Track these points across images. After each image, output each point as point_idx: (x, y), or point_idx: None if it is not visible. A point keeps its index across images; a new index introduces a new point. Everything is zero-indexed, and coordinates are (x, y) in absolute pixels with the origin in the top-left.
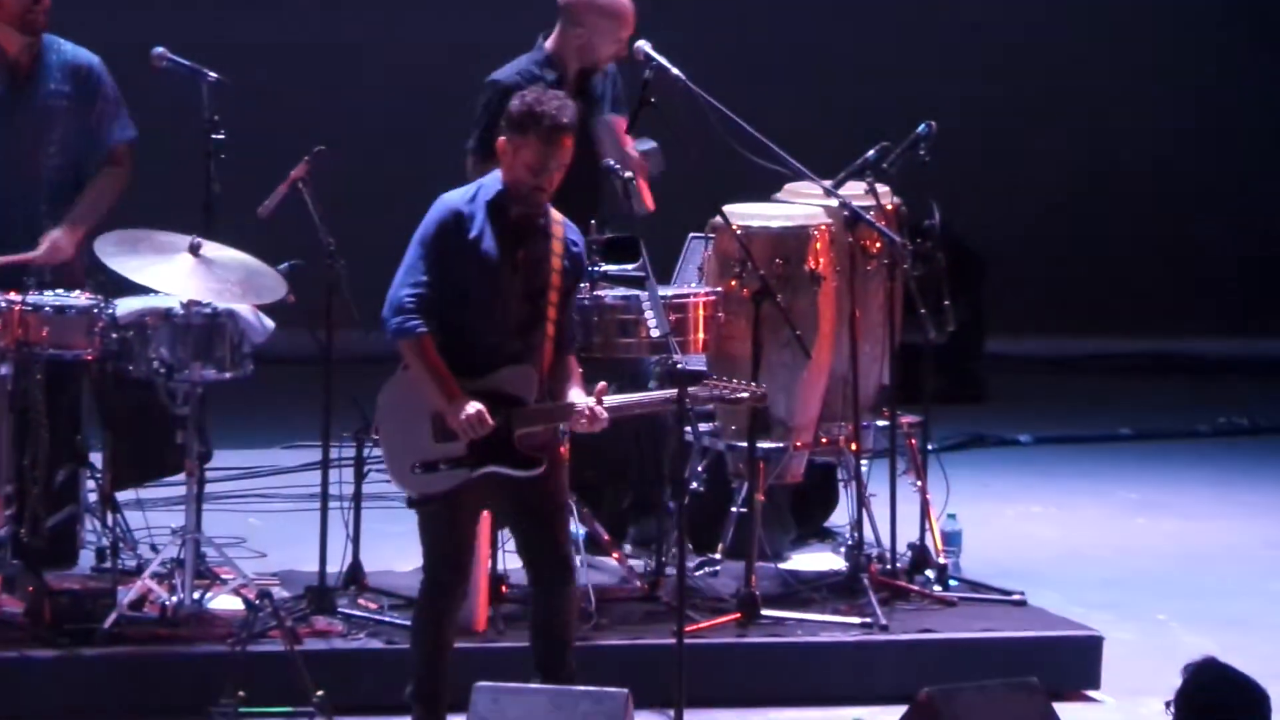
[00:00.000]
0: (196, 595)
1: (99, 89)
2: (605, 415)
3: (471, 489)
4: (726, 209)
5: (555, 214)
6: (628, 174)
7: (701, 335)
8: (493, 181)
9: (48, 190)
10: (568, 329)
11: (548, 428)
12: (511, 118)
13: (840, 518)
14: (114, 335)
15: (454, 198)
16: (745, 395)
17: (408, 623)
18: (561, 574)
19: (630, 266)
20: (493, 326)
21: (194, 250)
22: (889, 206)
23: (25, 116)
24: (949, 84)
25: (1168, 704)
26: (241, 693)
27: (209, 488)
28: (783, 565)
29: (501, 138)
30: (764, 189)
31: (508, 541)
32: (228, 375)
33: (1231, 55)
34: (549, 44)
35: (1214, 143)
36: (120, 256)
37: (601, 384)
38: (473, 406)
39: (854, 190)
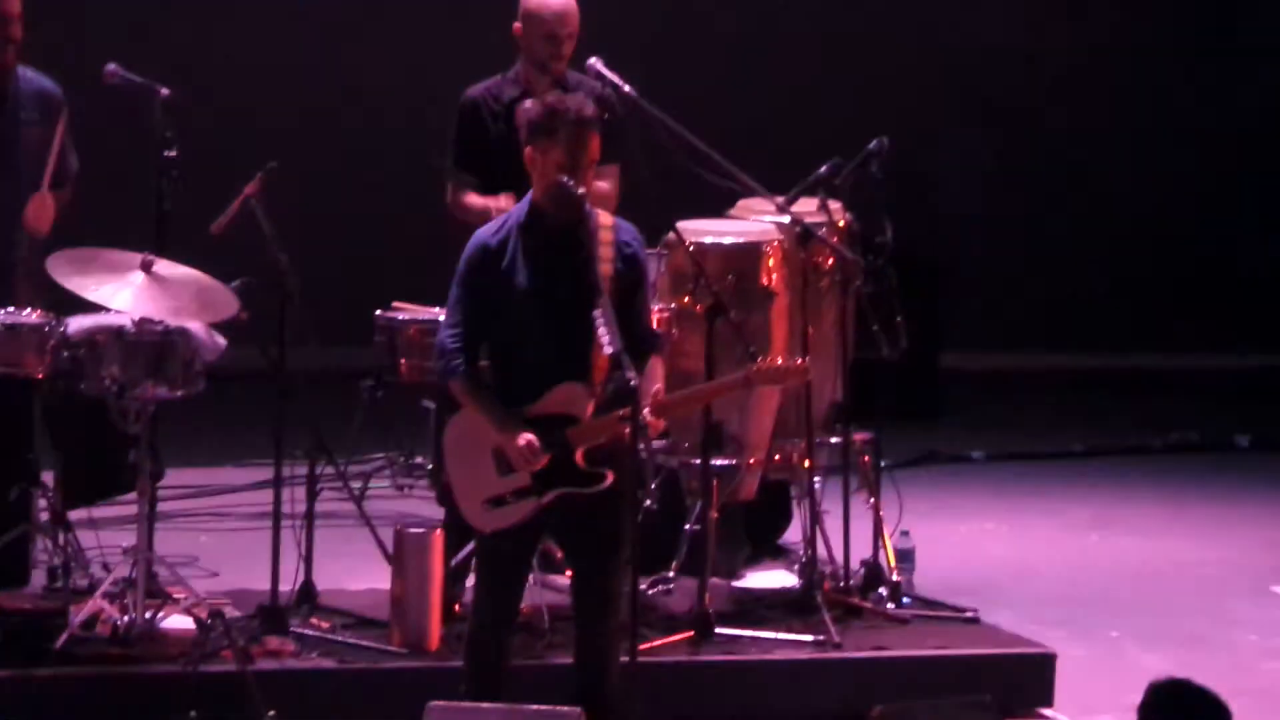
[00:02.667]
0: (148, 615)
1: (60, 119)
2: (654, 420)
3: (539, 518)
4: (679, 225)
5: (604, 217)
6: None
7: None
8: (523, 204)
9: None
10: (637, 332)
11: (609, 439)
12: (534, 123)
13: (793, 535)
14: (65, 353)
15: (484, 231)
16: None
17: (361, 642)
18: (601, 607)
19: None
20: (540, 349)
21: (146, 267)
22: (841, 223)
23: (2, 146)
24: (904, 96)
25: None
26: (194, 713)
27: (161, 506)
28: (736, 583)
29: (527, 148)
30: (717, 205)
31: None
32: (180, 393)
33: (1191, 70)
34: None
35: (1171, 162)
36: (72, 275)
37: (657, 387)
38: (523, 438)
39: (807, 206)
